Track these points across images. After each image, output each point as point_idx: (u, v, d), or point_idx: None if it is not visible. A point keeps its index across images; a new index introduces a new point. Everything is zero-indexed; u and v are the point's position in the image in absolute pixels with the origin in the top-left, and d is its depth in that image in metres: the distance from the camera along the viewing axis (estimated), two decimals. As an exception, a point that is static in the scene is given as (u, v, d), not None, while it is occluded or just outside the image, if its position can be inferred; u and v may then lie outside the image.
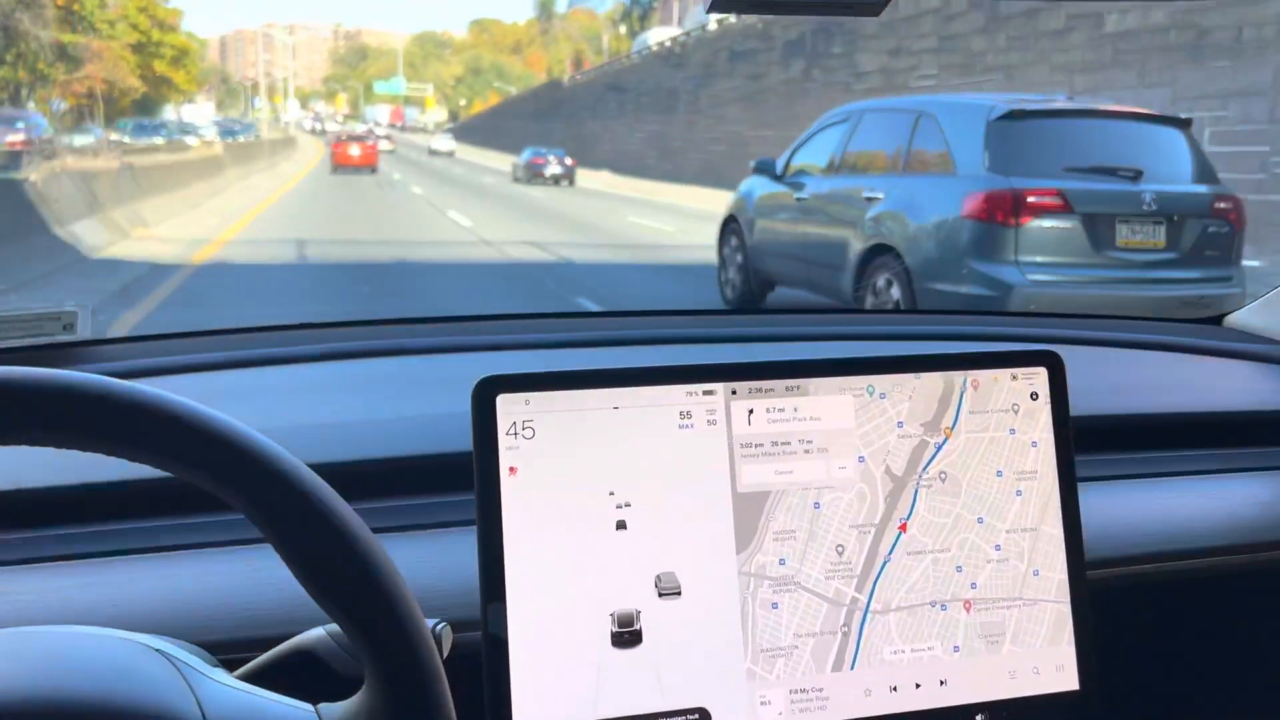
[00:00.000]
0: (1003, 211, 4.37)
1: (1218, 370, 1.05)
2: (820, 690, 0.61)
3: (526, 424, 0.59)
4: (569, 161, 23.37)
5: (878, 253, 4.88)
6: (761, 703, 0.60)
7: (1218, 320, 1.15)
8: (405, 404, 0.90)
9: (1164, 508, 0.81)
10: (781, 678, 0.61)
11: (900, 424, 0.64)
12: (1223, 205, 4.60)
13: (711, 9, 0.51)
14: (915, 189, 4.90)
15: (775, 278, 6.10)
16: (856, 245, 5.04)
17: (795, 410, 0.63)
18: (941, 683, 0.63)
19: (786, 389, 0.63)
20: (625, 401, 0.61)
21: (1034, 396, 0.67)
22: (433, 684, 0.46)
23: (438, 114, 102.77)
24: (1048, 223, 4.38)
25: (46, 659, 0.47)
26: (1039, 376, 0.67)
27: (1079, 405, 0.70)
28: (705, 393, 0.62)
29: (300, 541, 0.44)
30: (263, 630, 0.60)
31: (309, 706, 0.49)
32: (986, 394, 0.66)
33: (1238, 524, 0.79)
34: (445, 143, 43.83)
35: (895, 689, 0.62)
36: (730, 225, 6.60)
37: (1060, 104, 5.25)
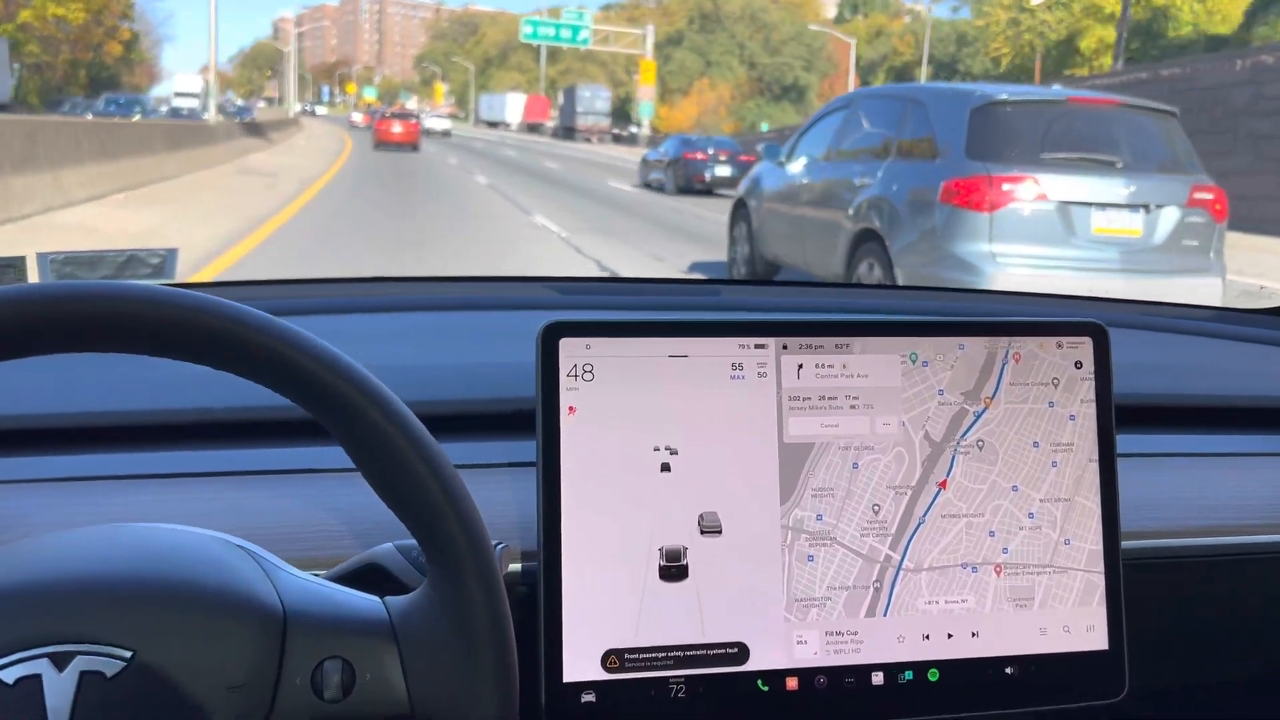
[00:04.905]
0: (977, 196, 4.76)
1: (1273, 359, 1.13)
2: (855, 634, 0.68)
3: (586, 367, 0.66)
4: (744, 158, 15.88)
5: (865, 238, 5.33)
6: (798, 641, 0.68)
7: (1277, 311, 1.23)
8: (470, 353, 0.99)
9: (1205, 486, 0.87)
10: (815, 623, 0.68)
11: (941, 391, 0.71)
12: (1203, 196, 4.99)
13: None
14: (899, 175, 5.29)
15: (778, 259, 6.63)
16: (846, 229, 5.51)
17: (844, 367, 0.70)
18: (973, 634, 0.70)
19: (836, 346, 0.70)
20: (680, 351, 0.68)
21: (1078, 365, 0.73)
22: (491, 575, 0.54)
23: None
24: (1022, 208, 4.78)
25: (139, 546, 0.55)
26: (1084, 346, 0.74)
27: (1127, 384, 0.77)
28: (757, 346, 0.69)
29: (383, 452, 0.52)
30: (328, 551, 0.67)
31: (376, 598, 0.57)
32: (1028, 367, 0.73)
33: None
34: (439, 122, 44.95)
35: (927, 637, 0.69)
36: (740, 209, 7.28)
37: (1044, 94, 5.63)
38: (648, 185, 18.65)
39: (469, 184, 17.30)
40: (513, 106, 66.31)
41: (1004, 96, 5.15)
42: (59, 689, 0.50)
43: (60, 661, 0.50)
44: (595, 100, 53.17)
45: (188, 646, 0.52)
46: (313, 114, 73.57)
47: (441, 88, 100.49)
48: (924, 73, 42.04)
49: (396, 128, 28.46)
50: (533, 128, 61.81)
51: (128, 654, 0.51)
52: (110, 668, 0.51)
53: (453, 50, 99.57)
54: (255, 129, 21.06)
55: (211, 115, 21.88)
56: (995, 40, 40.00)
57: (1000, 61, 38.99)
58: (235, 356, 0.51)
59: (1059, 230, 4.80)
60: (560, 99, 57.53)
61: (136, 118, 21.70)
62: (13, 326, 0.47)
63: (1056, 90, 5.61)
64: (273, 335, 0.50)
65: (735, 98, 55.77)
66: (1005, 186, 4.80)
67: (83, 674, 0.50)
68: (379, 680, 0.54)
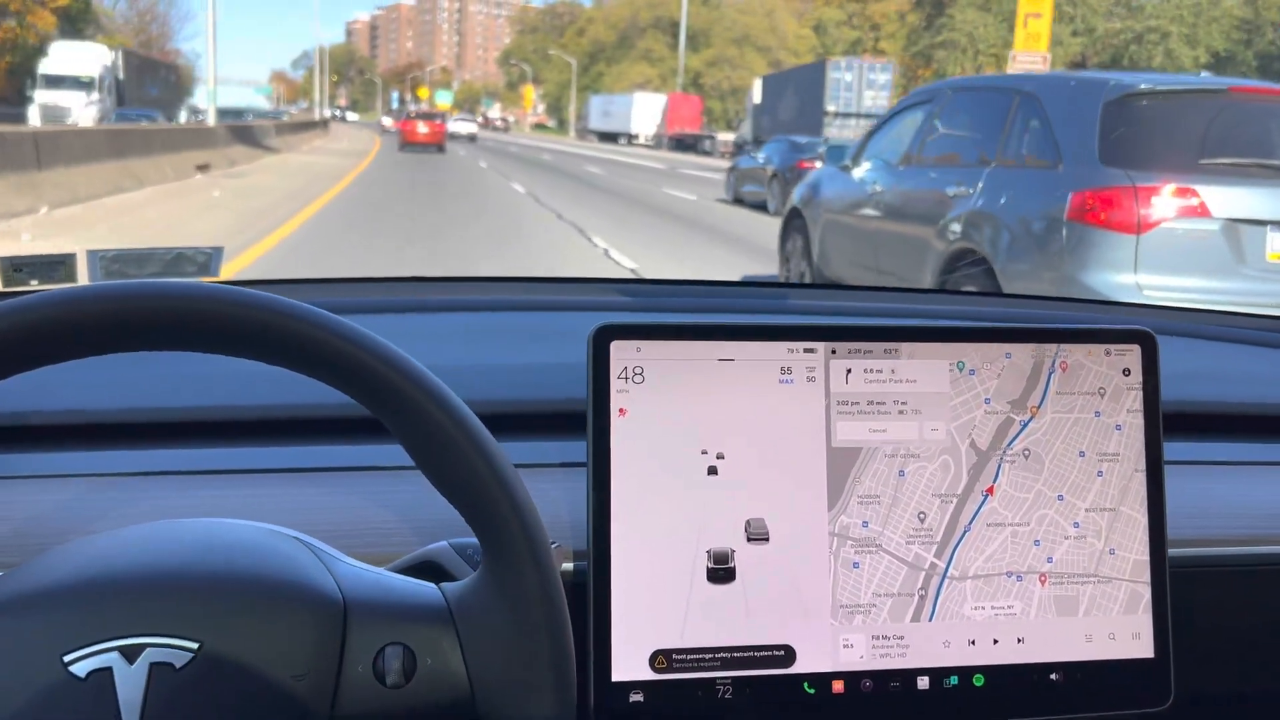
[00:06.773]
0: (1120, 213, 4.49)
1: None
2: (901, 639, 0.80)
3: (637, 370, 0.79)
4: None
5: (961, 259, 5.05)
6: (844, 645, 0.79)
7: None
8: (519, 354, 1.17)
9: (1252, 494, 0.97)
10: (861, 628, 0.80)
11: (988, 400, 0.83)
12: None
13: None
14: (1009, 184, 5.00)
15: (842, 281, 6.27)
16: (937, 249, 5.22)
17: (893, 372, 0.82)
18: (1018, 640, 0.81)
19: (884, 351, 0.82)
20: (730, 354, 0.80)
21: (1126, 373, 0.84)
22: (546, 561, 0.65)
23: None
24: (1177, 228, 4.43)
25: (198, 541, 0.66)
26: (1132, 354, 0.85)
27: (1174, 390, 0.87)
28: (806, 350, 0.81)
29: (442, 447, 0.63)
30: (382, 548, 0.80)
31: (432, 584, 0.67)
32: (1074, 376, 0.84)
33: None
34: (464, 126, 52.55)
35: (973, 643, 0.81)
36: (794, 221, 6.96)
37: (1198, 83, 5.37)
38: (739, 200, 16.58)
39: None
40: (643, 111, 50.61)
41: (1145, 86, 4.79)
42: (130, 681, 0.59)
43: (130, 654, 0.60)
44: (865, 89, 33.92)
45: (252, 637, 0.62)
46: (343, 119, 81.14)
47: (531, 91, 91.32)
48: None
49: (422, 128, 36.44)
50: (680, 143, 46.35)
51: (195, 645, 0.61)
52: (179, 659, 0.60)
53: (546, 44, 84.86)
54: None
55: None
56: None
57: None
58: (302, 355, 0.60)
59: (1224, 256, 4.45)
60: (758, 93, 38.31)
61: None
62: (102, 323, 0.59)
63: (1212, 79, 5.65)
64: (338, 334, 0.60)
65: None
66: (1155, 200, 4.42)
67: (153, 666, 0.60)
68: (439, 665, 0.65)
